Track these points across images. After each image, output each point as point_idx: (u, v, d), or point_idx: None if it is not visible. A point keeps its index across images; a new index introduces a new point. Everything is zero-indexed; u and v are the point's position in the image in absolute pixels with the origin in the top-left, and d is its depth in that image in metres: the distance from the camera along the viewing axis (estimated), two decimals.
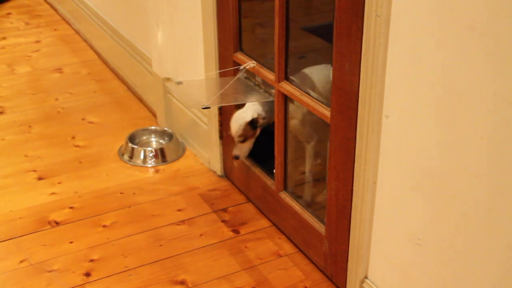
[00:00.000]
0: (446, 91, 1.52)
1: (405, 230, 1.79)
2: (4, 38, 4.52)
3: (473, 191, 1.52)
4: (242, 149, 2.45)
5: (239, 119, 2.39)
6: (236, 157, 2.48)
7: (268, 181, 2.51)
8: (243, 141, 2.42)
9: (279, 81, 2.25)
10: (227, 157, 2.77)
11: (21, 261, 2.35)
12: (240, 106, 2.45)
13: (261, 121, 2.39)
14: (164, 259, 2.36)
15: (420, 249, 1.75)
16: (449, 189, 1.59)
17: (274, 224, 2.53)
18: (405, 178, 1.74)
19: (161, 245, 2.43)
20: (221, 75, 2.60)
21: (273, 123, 2.37)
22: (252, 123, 2.39)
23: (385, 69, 1.69)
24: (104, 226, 2.54)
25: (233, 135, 2.42)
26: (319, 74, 2.38)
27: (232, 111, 2.49)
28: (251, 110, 2.39)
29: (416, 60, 1.58)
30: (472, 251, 1.58)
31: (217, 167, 2.84)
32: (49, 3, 5.14)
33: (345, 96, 1.89)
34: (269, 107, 2.40)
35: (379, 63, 1.68)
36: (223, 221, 2.57)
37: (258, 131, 2.42)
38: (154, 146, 3.11)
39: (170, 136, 3.12)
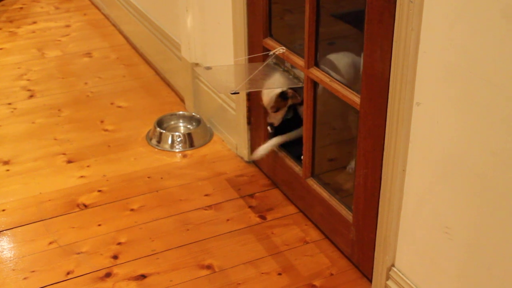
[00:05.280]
0: (479, 79, 1.50)
1: (433, 218, 1.78)
2: (34, 23, 4.56)
3: (503, 179, 1.50)
4: (276, 118, 2.53)
5: (270, 92, 2.45)
6: (271, 124, 2.59)
7: (296, 167, 2.50)
8: (275, 111, 2.50)
9: (308, 67, 2.24)
10: (254, 142, 2.77)
11: (50, 243, 2.38)
12: None
13: (290, 93, 2.44)
14: (191, 243, 2.38)
15: (448, 238, 1.74)
16: (479, 178, 1.58)
17: (301, 211, 2.53)
18: (435, 167, 1.72)
19: (188, 230, 2.44)
20: (250, 60, 2.59)
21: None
22: (283, 95, 2.44)
23: (417, 56, 1.67)
24: (131, 209, 2.56)
25: (265, 106, 2.50)
26: (343, 60, 2.38)
27: (259, 98, 2.49)
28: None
29: (449, 47, 1.56)
30: (501, 240, 1.56)
31: (244, 152, 2.84)
32: None
33: (376, 83, 1.88)
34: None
35: (411, 50, 1.67)
36: (250, 206, 2.57)
37: (289, 102, 2.47)
38: (182, 131, 3.12)
39: (198, 121, 3.13)
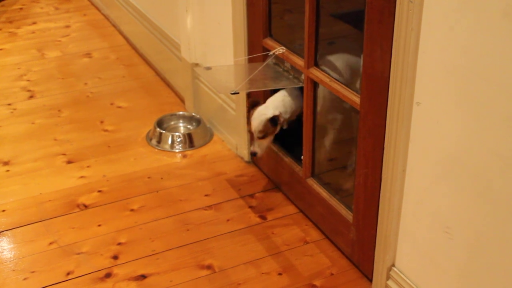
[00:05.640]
0: (479, 78, 1.50)
1: (434, 218, 1.77)
2: (34, 23, 4.56)
3: (504, 179, 1.50)
4: (261, 145, 2.44)
5: (260, 115, 2.39)
6: (254, 154, 2.47)
7: (296, 167, 2.50)
8: (262, 137, 2.42)
9: (308, 67, 2.24)
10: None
11: (50, 243, 2.38)
12: (268, 94, 2.44)
13: (282, 119, 2.39)
14: (191, 243, 2.37)
15: (449, 238, 1.73)
16: (479, 178, 1.58)
17: (301, 211, 2.53)
18: (435, 166, 1.72)
19: (188, 230, 2.44)
20: (250, 60, 2.59)
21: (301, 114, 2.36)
22: (273, 120, 2.39)
23: (417, 55, 1.67)
24: (132, 210, 2.56)
25: (253, 131, 2.42)
26: (343, 61, 2.37)
27: (257, 102, 2.48)
28: (272, 107, 2.41)
29: (449, 46, 1.56)
30: (502, 240, 1.56)
31: (245, 153, 2.84)
32: None
33: (376, 83, 1.88)
34: (290, 104, 2.41)
35: (411, 49, 1.67)
36: (250, 206, 2.57)
37: (278, 129, 2.43)
38: (182, 131, 3.12)
39: (198, 122, 3.13)
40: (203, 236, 2.41)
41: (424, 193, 1.80)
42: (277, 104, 2.41)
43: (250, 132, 2.47)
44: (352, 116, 2.50)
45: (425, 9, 1.61)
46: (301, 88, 2.35)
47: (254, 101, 2.49)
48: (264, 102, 2.46)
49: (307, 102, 2.30)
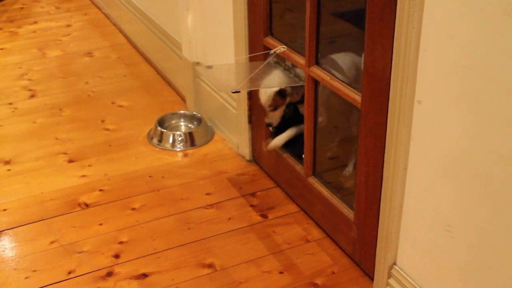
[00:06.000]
0: (480, 77, 1.49)
1: (435, 217, 1.77)
2: (35, 22, 4.57)
3: (505, 178, 1.50)
4: (274, 117, 2.48)
5: (268, 90, 2.41)
6: (269, 125, 2.53)
7: (297, 166, 2.50)
8: (273, 110, 2.45)
9: (309, 66, 2.24)
10: (256, 141, 2.77)
11: (52, 242, 2.38)
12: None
13: (288, 90, 2.41)
14: (192, 242, 2.37)
15: (450, 236, 1.73)
16: (481, 176, 1.57)
17: (302, 209, 2.53)
18: (437, 165, 1.72)
19: (189, 229, 2.44)
20: (251, 59, 2.59)
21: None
22: (281, 93, 2.41)
23: (418, 54, 1.67)
24: (133, 209, 2.56)
25: (263, 105, 2.45)
26: (346, 59, 2.38)
27: (259, 97, 2.48)
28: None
29: (450, 45, 1.56)
30: (503, 238, 1.56)
31: (246, 151, 2.84)
32: None
33: (377, 81, 1.88)
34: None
35: (412, 48, 1.66)
36: (251, 205, 2.57)
37: (287, 99, 2.45)
38: (183, 130, 3.12)
39: (199, 120, 3.13)
40: (204, 235, 2.41)
41: (425, 192, 1.80)
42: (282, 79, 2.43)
43: (260, 105, 2.50)
44: (350, 117, 2.51)
45: (426, 7, 1.61)
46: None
47: None
48: None
49: (308, 100, 2.30)
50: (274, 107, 2.45)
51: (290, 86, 2.40)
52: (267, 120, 2.52)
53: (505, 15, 1.38)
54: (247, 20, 2.56)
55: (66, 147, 3.00)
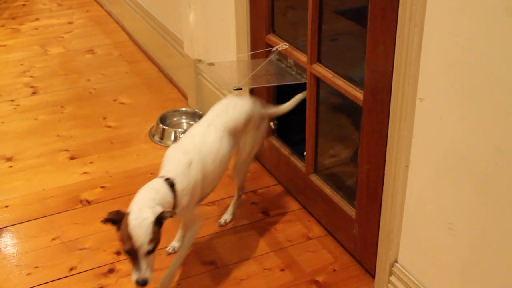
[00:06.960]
0: (482, 75, 1.49)
1: (436, 214, 1.77)
2: (37, 19, 4.57)
3: (507, 176, 1.50)
4: (150, 264, 1.77)
5: (141, 222, 1.75)
6: (145, 283, 1.75)
7: (299, 164, 2.50)
8: (151, 251, 1.76)
9: (311, 63, 2.24)
10: None
11: (53, 239, 2.38)
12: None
13: (167, 214, 1.82)
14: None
15: (451, 234, 1.73)
16: (482, 174, 1.57)
17: (304, 207, 2.53)
18: (438, 162, 1.72)
19: None
20: (253, 57, 2.59)
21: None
22: (158, 221, 1.80)
23: (420, 52, 1.67)
24: None
25: (137, 248, 1.73)
26: None
27: (121, 213, 1.82)
28: (148, 206, 1.81)
29: (452, 43, 1.56)
30: (505, 236, 1.56)
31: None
32: None
33: (379, 79, 1.88)
34: (164, 196, 1.90)
35: (414, 45, 1.66)
36: (252, 203, 2.58)
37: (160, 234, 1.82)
38: (185, 128, 3.12)
39: (201, 118, 3.12)
40: (206, 232, 2.41)
41: (427, 189, 1.80)
42: (148, 203, 1.82)
43: (129, 252, 1.76)
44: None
45: (428, 5, 1.61)
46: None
47: (116, 213, 1.80)
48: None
49: (310, 98, 2.30)
50: (155, 244, 1.78)
51: (165, 212, 1.82)
52: (143, 276, 1.74)
53: (507, 13, 1.38)
54: (249, 18, 2.56)
55: (68, 144, 3.00)
